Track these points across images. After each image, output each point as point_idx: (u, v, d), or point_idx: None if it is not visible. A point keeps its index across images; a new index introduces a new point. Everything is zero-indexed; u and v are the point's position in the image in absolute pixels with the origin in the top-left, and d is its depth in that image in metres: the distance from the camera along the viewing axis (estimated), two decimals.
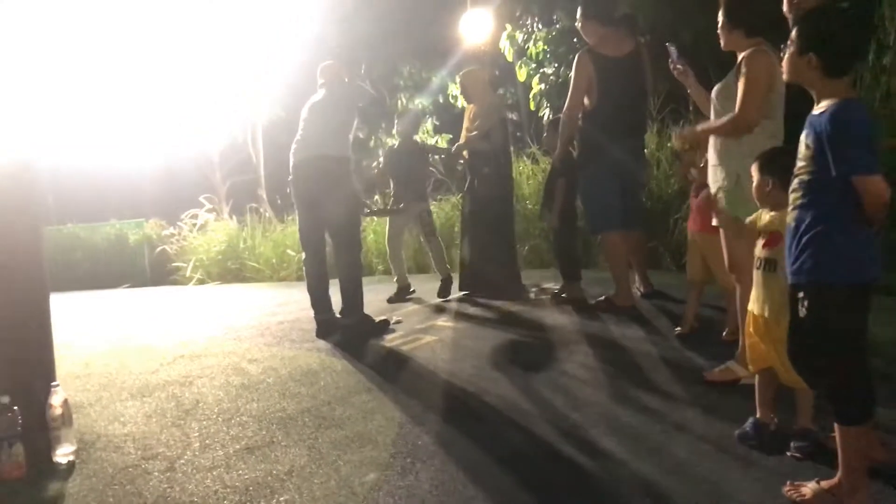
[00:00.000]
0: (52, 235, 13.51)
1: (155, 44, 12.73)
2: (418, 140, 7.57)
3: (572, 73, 4.95)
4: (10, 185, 3.05)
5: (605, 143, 4.87)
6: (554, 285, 6.10)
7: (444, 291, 6.25)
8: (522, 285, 6.15)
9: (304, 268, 5.20)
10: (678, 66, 3.76)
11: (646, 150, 5.86)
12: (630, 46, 4.96)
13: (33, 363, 3.04)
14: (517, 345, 4.55)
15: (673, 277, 6.01)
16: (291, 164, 5.10)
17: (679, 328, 4.34)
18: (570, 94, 4.99)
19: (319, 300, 5.10)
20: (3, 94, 3.13)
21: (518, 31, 10.27)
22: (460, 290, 6.24)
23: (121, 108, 13.91)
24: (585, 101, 4.94)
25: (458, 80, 6.28)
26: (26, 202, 3.12)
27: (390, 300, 6.30)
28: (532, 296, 5.97)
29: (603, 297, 5.20)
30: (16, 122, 3.15)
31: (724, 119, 3.25)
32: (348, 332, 4.95)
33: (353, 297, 5.05)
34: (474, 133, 5.91)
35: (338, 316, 5.09)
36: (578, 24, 5.06)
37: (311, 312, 5.12)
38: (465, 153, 6.12)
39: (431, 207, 9.35)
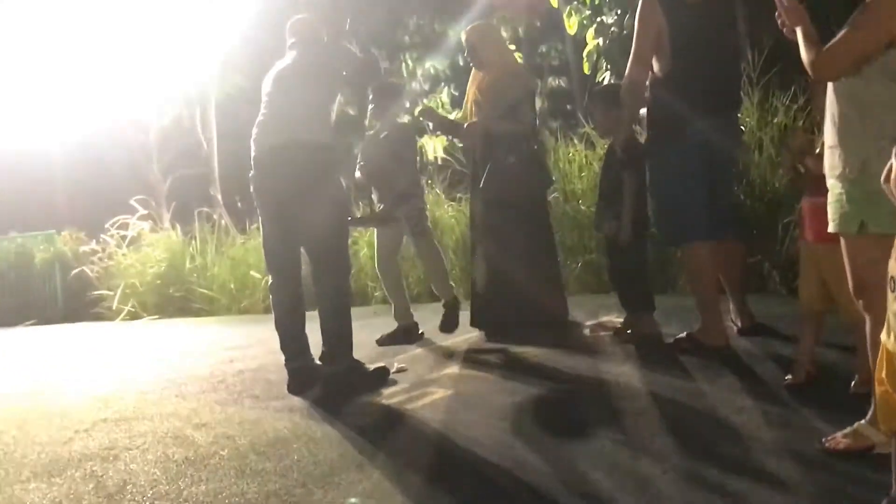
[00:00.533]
0: None
1: None
2: (405, 121, 7.54)
3: (635, 23, 4.96)
4: None
5: (683, 121, 4.86)
6: (616, 317, 6.10)
7: (448, 323, 6.28)
8: (568, 320, 6.13)
9: (271, 296, 5.25)
10: (786, 6, 3.73)
11: (742, 129, 5.87)
12: None
13: None
14: (559, 402, 4.55)
15: (782, 304, 5.99)
16: (253, 154, 5.12)
17: (790, 376, 4.32)
18: (633, 51, 4.99)
19: (292, 341, 5.13)
20: None
21: None
22: (472, 325, 6.27)
23: (20, 77, 14.02)
24: (654, 62, 4.95)
25: (462, 37, 6.28)
26: None
27: (381, 342, 6.30)
28: (587, 332, 5.98)
29: (684, 334, 5.18)
30: None
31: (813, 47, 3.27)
32: (332, 384, 4.98)
33: (338, 336, 5.07)
34: (488, 110, 5.91)
35: (317, 362, 5.12)
36: None
37: (281, 358, 5.16)
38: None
39: (450, 211, 9.43)
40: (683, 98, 4.83)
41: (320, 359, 5.11)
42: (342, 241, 5.25)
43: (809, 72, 3.28)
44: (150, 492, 3.65)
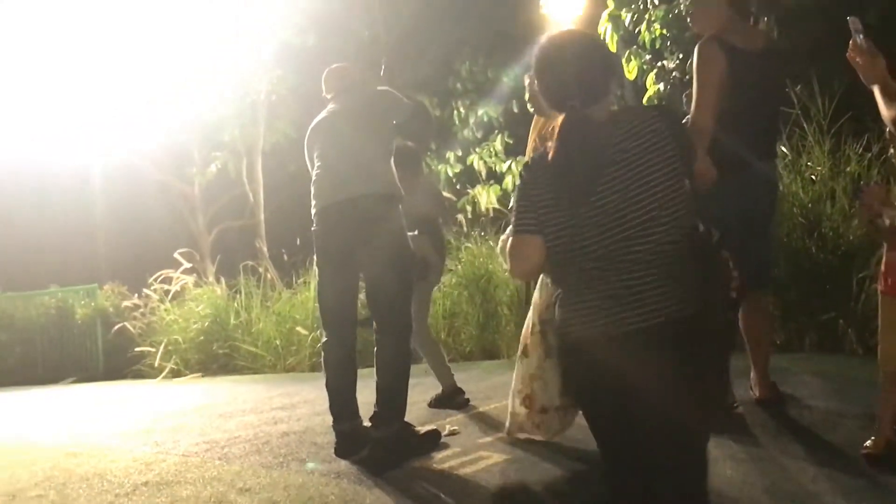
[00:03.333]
0: None
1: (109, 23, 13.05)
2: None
3: (696, 67, 4.92)
4: None
5: (731, 168, 4.84)
6: None
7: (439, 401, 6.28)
8: None
9: (323, 354, 5.26)
10: (861, 47, 3.68)
11: (779, 182, 5.84)
12: (762, 41, 4.99)
13: None
14: None
15: (860, 365, 5.89)
16: (314, 210, 5.17)
17: (868, 443, 4.24)
18: (697, 94, 4.93)
19: (342, 402, 5.13)
20: None
21: (625, 10, 10.37)
22: None
23: (64, 125, 14.25)
24: None
25: (525, 81, 6.33)
26: None
27: (432, 404, 6.30)
28: None
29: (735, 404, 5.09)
30: None
31: None
32: (382, 448, 4.96)
33: (393, 397, 5.05)
34: None
35: (366, 424, 5.11)
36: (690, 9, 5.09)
37: (329, 419, 5.17)
38: None
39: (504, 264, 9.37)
40: (724, 145, 4.81)
41: (370, 420, 5.09)
42: (407, 296, 5.22)
43: (892, 128, 3.23)
44: None
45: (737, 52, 4.81)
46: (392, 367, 5.06)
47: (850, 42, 3.65)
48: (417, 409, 5.96)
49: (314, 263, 5.31)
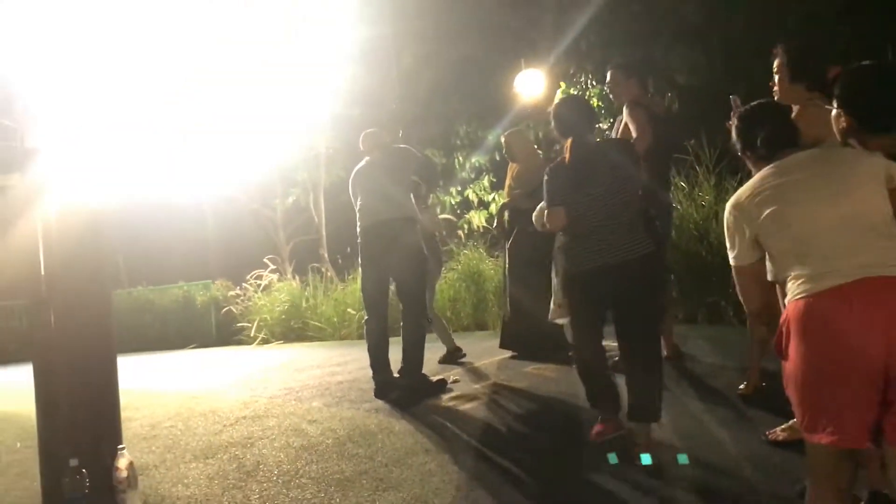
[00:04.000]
0: (123, 298, 13.99)
1: (220, 111, 13.13)
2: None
3: (629, 116, 4.82)
4: (80, 249, 3.21)
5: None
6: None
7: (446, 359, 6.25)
8: (567, 342, 6.03)
9: (365, 328, 5.28)
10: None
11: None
12: (661, 108, 5.15)
13: (101, 426, 3.15)
14: (564, 406, 4.48)
15: (735, 333, 5.88)
16: (359, 228, 5.25)
17: (742, 387, 4.23)
18: (637, 129, 4.68)
19: (379, 360, 5.15)
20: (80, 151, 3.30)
21: (572, 88, 10.39)
22: (501, 346, 6.21)
23: (187, 172, 14.31)
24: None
25: (502, 139, 6.36)
26: (95, 266, 3.28)
27: (440, 361, 6.25)
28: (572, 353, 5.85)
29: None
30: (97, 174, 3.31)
31: None
32: (406, 392, 4.98)
33: (413, 357, 5.10)
34: (517, 191, 5.97)
35: (396, 376, 5.13)
36: (609, 87, 5.10)
37: (370, 372, 5.18)
38: (505, 213, 6.18)
39: (490, 265, 9.38)
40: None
41: (398, 372, 5.12)
42: (421, 289, 5.27)
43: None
44: (276, 470, 3.67)
45: (649, 112, 4.81)
46: (412, 336, 5.12)
47: (732, 112, 3.66)
48: (430, 365, 5.94)
49: (359, 265, 5.36)
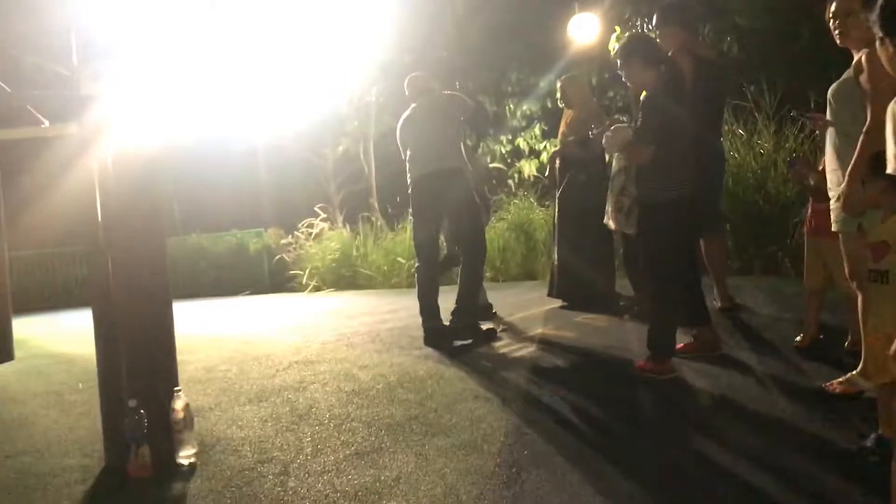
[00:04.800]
0: (177, 245, 14.26)
1: (269, 60, 13.12)
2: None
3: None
4: (136, 196, 3.26)
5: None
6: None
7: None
8: (617, 294, 5.96)
9: (416, 275, 5.30)
10: (813, 120, 3.63)
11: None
12: (713, 51, 5.03)
13: (158, 369, 3.23)
14: (618, 354, 4.46)
15: (792, 285, 5.75)
16: (410, 180, 5.22)
17: (798, 338, 4.16)
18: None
19: (429, 307, 5.16)
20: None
21: (627, 33, 10.09)
22: (549, 295, 6.16)
23: (240, 120, 14.40)
24: None
25: (558, 84, 6.20)
26: (151, 213, 3.33)
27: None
28: (623, 304, 5.80)
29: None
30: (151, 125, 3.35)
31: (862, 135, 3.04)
32: (455, 334, 5.04)
33: (467, 302, 5.13)
34: (571, 139, 5.85)
35: (445, 324, 5.15)
36: (657, 32, 4.94)
37: (420, 319, 5.21)
38: (557, 161, 6.07)
39: (540, 214, 9.30)
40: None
41: (452, 313, 5.13)
42: (477, 230, 5.26)
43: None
44: (328, 414, 3.74)
45: (697, 58, 4.68)
46: (469, 279, 5.16)
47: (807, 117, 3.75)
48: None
49: (409, 215, 5.35)
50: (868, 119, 2.96)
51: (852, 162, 3.01)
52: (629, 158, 4.13)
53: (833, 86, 3.31)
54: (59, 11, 3.42)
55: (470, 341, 5.00)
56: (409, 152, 5.26)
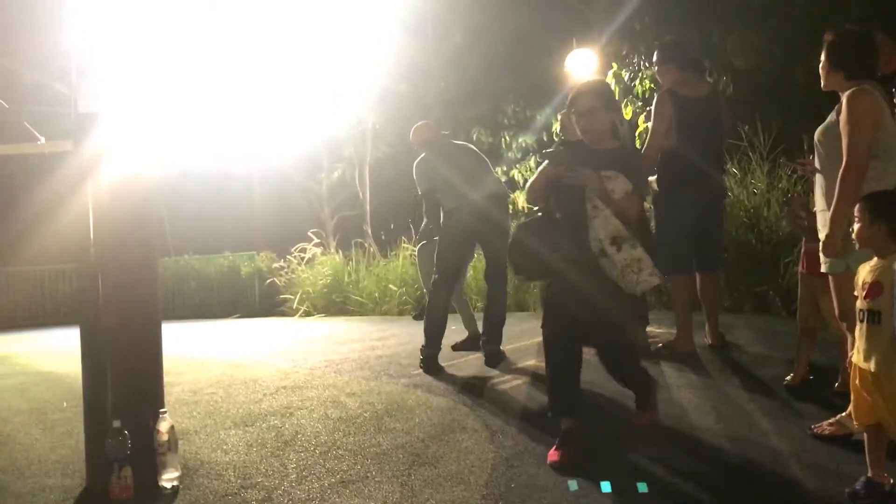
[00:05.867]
0: (169, 266, 14.23)
1: (267, 83, 13.18)
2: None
3: (653, 114, 4.91)
4: (129, 217, 3.26)
5: (682, 183, 4.78)
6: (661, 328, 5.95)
7: (463, 346, 5.91)
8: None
9: (431, 293, 5.27)
10: (801, 165, 3.75)
11: (726, 190, 5.79)
12: (706, 88, 4.97)
13: (144, 390, 3.21)
14: (608, 390, 4.43)
15: (782, 323, 5.76)
16: (455, 205, 5.19)
17: (788, 377, 4.15)
18: (648, 138, 4.96)
19: (438, 333, 5.18)
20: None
21: (624, 70, 10.20)
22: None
23: (236, 144, 14.45)
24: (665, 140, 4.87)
25: (559, 117, 6.28)
26: (143, 233, 3.33)
27: (455, 347, 5.80)
28: None
29: (660, 344, 5.06)
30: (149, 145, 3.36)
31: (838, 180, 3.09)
32: (495, 355, 5.18)
33: (499, 327, 5.26)
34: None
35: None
36: (656, 70, 5.08)
37: (409, 347, 5.19)
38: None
39: None
40: (684, 166, 4.76)
41: (483, 334, 5.30)
42: (506, 262, 5.25)
43: (853, 175, 3.06)
44: (314, 440, 3.71)
45: (683, 99, 4.81)
46: (502, 301, 5.30)
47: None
48: (443, 351, 5.46)
49: (440, 240, 5.30)
50: (843, 162, 3.02)
51: (832, 207, 3.06)
52: (628, 208, 3.66)
53: (819, 128, 3.37)
54: (61, 29, 3.43)
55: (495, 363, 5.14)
56: (442, 187, 5.24)
